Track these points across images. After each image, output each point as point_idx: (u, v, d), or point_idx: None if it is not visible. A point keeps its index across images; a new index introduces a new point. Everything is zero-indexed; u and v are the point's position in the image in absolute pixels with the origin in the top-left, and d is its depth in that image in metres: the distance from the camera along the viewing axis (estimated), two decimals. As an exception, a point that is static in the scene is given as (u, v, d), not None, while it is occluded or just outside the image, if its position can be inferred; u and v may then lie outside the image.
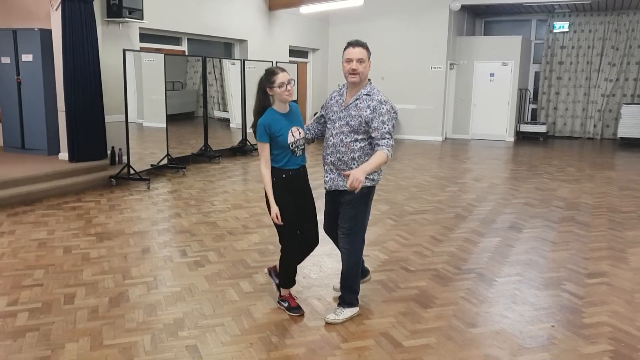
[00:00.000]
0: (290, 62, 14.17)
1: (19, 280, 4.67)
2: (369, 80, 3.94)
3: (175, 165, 9.69)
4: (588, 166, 11.37)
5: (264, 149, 3.81)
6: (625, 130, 14.87)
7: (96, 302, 4.26)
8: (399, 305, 4.27)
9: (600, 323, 4.03)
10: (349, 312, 4.05)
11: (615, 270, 5.16)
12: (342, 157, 3.86)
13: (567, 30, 16.36)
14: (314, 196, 4.12)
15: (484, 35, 17.62)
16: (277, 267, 4.24)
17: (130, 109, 8.54)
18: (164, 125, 9.53)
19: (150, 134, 9.65)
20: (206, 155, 10.91)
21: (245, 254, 5.44)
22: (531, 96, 17.14)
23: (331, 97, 4.07)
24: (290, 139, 3.83)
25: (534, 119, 17.17)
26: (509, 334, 3.84)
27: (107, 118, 9.00)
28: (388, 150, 3.71)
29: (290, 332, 3.81)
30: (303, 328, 3.89)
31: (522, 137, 16.20)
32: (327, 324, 3.96)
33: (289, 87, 3.76)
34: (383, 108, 3.76)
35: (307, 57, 15.79)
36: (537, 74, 17.25)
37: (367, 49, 3.84)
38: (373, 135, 3.77)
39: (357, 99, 3.84)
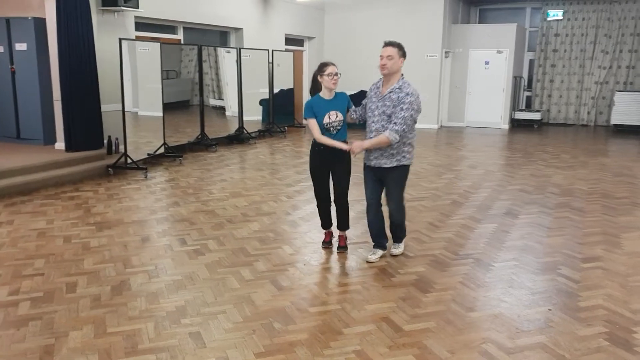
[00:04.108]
0: (286, 50, 14.16)
1: (20, 269, 4.70)
2: (402, 75, 4.62)
3: (172, 154, 9.70)
4: (582, 153, 11.45)
5: (312, 123, 4.75)
6: (618, 117, 14.97)
7: (98, 290, 4.30)
8: (399, 291, 4.33)
9: (596, 306, 4.11)
10: (402, 245, 5.18)
11: (610, 255, 5.23)
12: None
13: (561, 18, 16.39)
14: (350, 166, 4.96)
15: (479, 23, 17.62)
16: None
17: (125, 98, 8.53)
18: (160, 114, 9.52)
19: (146, 123, 9.64)
20: (203, 144, 10.93)
21: (245, 242, 5.48)
22: (526, 84, 17.20)
23: (371, 89, 4.81)
24: (326, 120, 4.72)
25: (529, 107, 17.24)
26: (506, 318, 3.90)
27: (103, 107, 8.99)
28: (390, 133, 4.47)
29: (292, 318, 3.86)
30: (305, 314, 3.94)
31: (516, 125, 16.28)
32: (392, 255, 5.07)
33: (335, 78, 4.67)
34: (407, 99, 4.48)
35: (302, 46, 15.77)
36: (531, 62, 17.29)
37: (398, 47, 4.55)
38: (391, 118, 4.53)
39: (391, 92, 4.56)
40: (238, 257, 5.07)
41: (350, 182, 5.05)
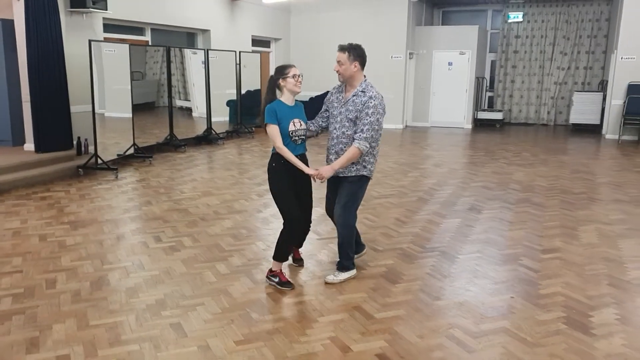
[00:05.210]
0: (253, 51, 14.29)
1: (-2, 267, 4.77)
2: (365, 77, 4.38)
3: (141, 155, 9.75)
4: (542, 151, 11.86)
5: (274, 130, 4.23)
6: (577, 116, 15.46)
7: (78, 286, 4.39)
8: (370, 282, 4.54)
9: (555, 293, 4.37)
10: (345, 274, 4.58)
11: (568, 246, 5.53)
12: (344, 147, 4.33)
13: (521, 20, 16.90)
14: (312, 184, 4.52)
15: (442, 25, 18.03)
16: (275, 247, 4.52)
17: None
18: (127, 115, 9.56)
19: (113, 124, 9.63)
20: (172, 144, 10.99)
21: (219, 238, 5.62)
22: (488, 84, 17.66)
23: (331, 94, 4.54)
24: (291, 128, 4.26)
25: (491, 107, 17.71)
26: (471, 305, 4.13)
27: (72, 108, 8.99)
28: (359, 144, 4.19)
29: (269, 309, 4.03)
30: (281, 304, 4.12)
31: (479, 124, 16.70)
32: (327, 283, 4.49)
33: (299, 79, 4.28)
34: (371, 102, 4.22)
35: (269, 47, 15.91)
36: (493, 63, 17.78)
37: (348, 51, 4.27)
38: (356, 124, 4.26)
39: (354, 95, 4.30)
40: (213, 252, 5.21)
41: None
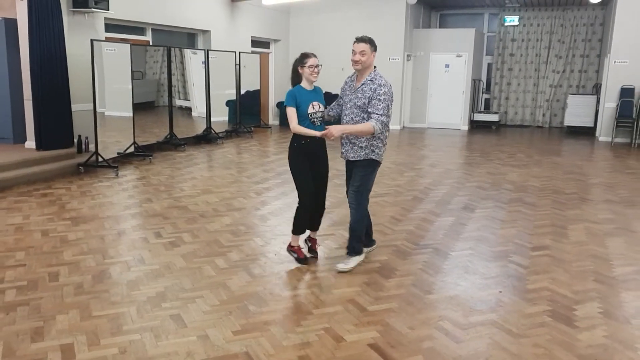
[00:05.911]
0: (253, 52, 14.43)
1: (2, 261, 4.89)
2: (375, 67, 4.68)
3: (141, 153, 9.88)
4: (536, 152, 12.03)
5: (291, 112, 4.61)
6: (571, 118, 15.62)
7: (80, 279, 4.53)
8: (364, 277, 4.68)
9: (542, 288, 4.52)
10: (355, 260, 4.86)
11: (557, 244, 5.68)
12: None
13: (517, 23, 17.09)
14: (329, 165, 4.89)
15: (439, 27, 18.19)
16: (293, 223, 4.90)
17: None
18: (127, 114, 9.68)
19: (113, 123, 9.75)
20: (171, 143, 11.13)
21: (218, 234, 5.76)
22: (484, 86, 17.84)
23: (345, 82, 4.87)
24: (310, 110, 4.64)
25: (487, 109, 17.88)
26: (461, 299, 4.28)
27: (73, 107, 9.12)
28: (376, 123, 4.46)
29: (266, 301, 4.17)
30: (277, 297, 4.26)
31: (475, 126, 16.88)
32: (340, 272, 4.75)
33: (316, 70, 4.64)
34: (381, 90, 4.53)
35: (269, 48, 16.06)
36: (489, 65, 17.95)
37: (370, 42, 4.58)
38: (369, 110, 4.54)
39: (363, 84, 4.61)
40: (212, 248, 5.35)
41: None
